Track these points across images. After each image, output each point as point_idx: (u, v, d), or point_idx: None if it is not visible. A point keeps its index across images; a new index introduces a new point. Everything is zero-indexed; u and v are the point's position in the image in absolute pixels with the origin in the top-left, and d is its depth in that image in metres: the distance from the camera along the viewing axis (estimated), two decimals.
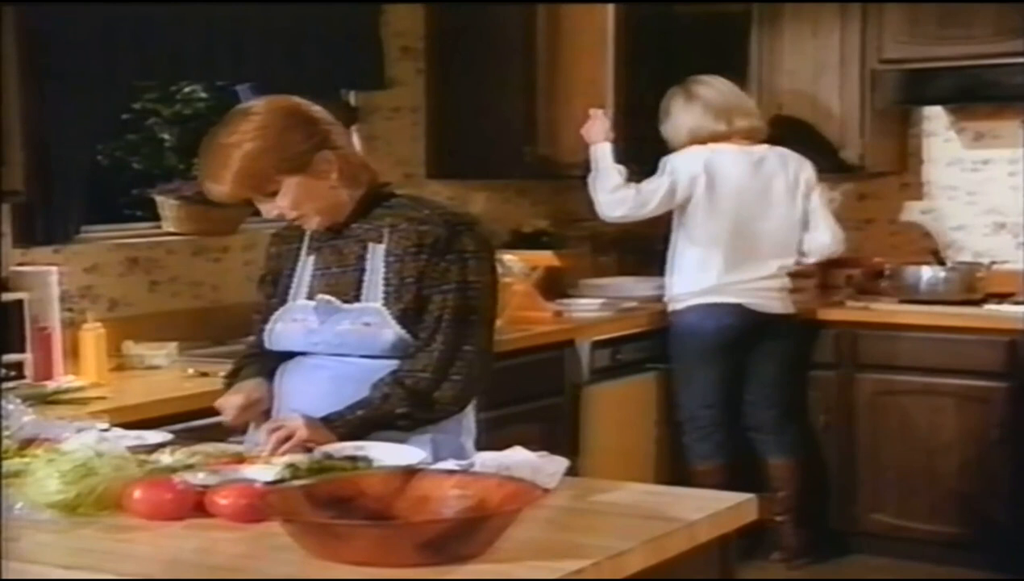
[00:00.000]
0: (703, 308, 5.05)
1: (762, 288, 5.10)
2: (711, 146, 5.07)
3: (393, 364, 2.75)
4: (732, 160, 5.06)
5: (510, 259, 4.93)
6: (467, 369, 2.75)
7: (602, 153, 5.04)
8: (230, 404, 2.83)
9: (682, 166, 5.03)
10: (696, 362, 5.10)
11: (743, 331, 5.08)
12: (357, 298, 2.78)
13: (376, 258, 2.78)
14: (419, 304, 2.74)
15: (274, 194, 2.73)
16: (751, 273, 5.08)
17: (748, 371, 5.18)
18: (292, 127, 2.71)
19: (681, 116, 5.14)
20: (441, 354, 2.73)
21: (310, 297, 2.83)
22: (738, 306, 5.05)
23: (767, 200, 5.11)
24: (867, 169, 5.69)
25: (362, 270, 2.79)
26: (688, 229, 5.09)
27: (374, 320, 2.75)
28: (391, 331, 2.75)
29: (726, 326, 5.05)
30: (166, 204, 4.25)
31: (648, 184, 5.04)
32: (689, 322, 5.09)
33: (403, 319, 2.74)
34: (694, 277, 5.07)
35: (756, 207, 5.08)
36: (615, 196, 5.01)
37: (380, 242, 2.79)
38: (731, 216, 5.04)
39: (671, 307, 5.16)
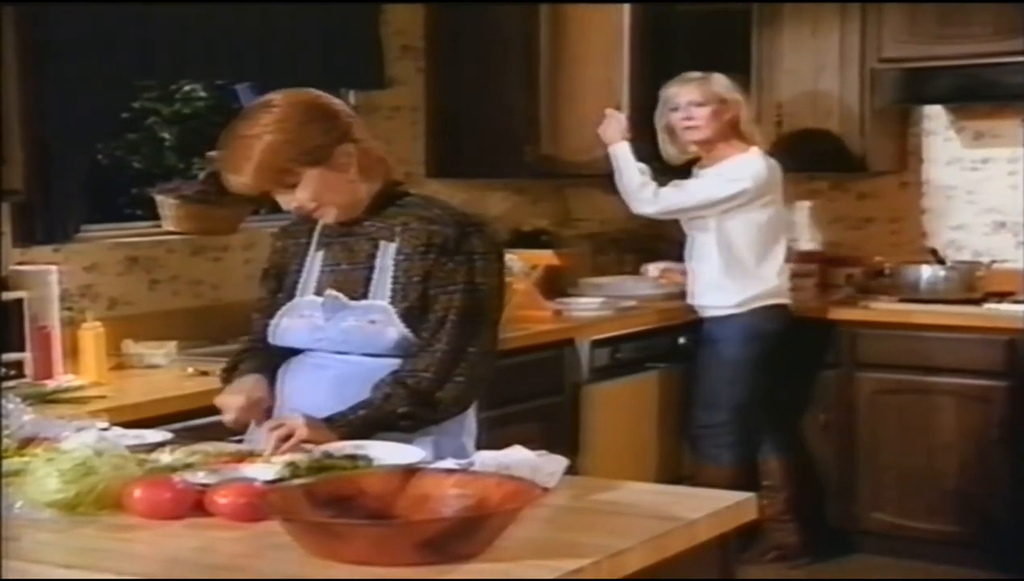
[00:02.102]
0: (763, 311, 4.99)
1: (790, 288, 5.12)
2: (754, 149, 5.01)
3: (396, 363, 2.74)
4: (768, 164, 5.00)
5: (510, 258, 4.91)
6: (470, 370, 2.74)
7: (621, 153, 5.01)
8: (231, 404, 2.82)
9: (748, 173, 4.94)
10: (750, 365, 4.98)
11: (788, 333, 5.05)
12: (364, 295, 2.78)
13: (386, 256, 2.78)
14: (424, 303, 2.74)
15: (294, 186, 2.73)
16: (786, 274, 5.09)
17: None
18: (312, 120, 2.72)
19: (745, 109, 5.06)
20: (444, 354, 2.72)
21: (318, 293, 2.83)
22: (786, 308, 5.05)
23: (782, 201, 5.11)
24: (867, 168, 5.69)
25: (371, 268, 2.79)
26: (732, 233, 4.98)
27: (379, 318, 2.75)
28: (395, 330, 2.74)
29: (781, 329, 5.01)
30: (166, 203, 4.25)
31: (693, 184, 5.01)
32: (751, 325, 4.97)
33: (408, 318, 2.74)
34: (745, 282, 4.98)
35: (783, 209, 5.09)
36: (644, 193, 4.96)
37: (392, 241, 2.79)
38: (771, 219, 5.00)
39: (726, 312, 4.99)
